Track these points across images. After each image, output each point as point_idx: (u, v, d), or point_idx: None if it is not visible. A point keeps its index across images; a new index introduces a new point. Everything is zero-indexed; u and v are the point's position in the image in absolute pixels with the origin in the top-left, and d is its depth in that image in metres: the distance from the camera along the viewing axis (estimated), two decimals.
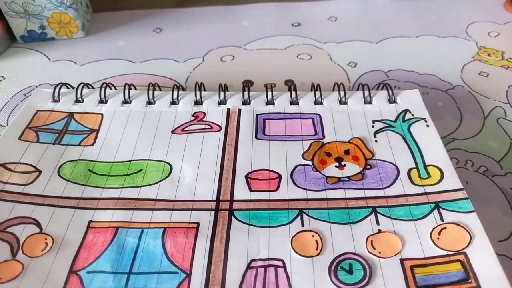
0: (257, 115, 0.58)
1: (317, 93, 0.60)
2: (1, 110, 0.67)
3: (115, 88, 0.62)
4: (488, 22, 0.88)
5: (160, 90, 0.62)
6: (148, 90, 0.61)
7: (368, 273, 0.41)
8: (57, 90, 0.61)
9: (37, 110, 0.59)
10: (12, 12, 0.78)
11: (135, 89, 0.62)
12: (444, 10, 0.93)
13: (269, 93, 0.60)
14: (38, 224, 0.45)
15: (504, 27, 0.87)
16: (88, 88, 0.62)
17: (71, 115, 0.59)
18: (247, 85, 0.61)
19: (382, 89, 0.61)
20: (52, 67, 0.78)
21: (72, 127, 0.57)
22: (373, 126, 0.56)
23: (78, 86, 0.61)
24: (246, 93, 0.60)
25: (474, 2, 0.96)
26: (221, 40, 0.84)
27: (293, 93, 0.60)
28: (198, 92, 0.60)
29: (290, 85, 0.61)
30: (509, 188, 0.54)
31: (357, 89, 0.62)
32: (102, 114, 0.59)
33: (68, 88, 0.62)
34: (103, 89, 0.61)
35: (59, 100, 0.60)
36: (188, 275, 0.41)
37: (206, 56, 0.80)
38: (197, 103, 0.60)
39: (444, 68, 0.75)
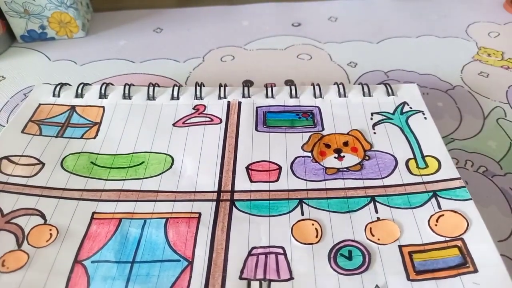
0: (257, 107, 0.59)
1: (317, 88, 0.60)
2: (1, 110, 0.67)
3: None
4: (488, 22, 0.89)
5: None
6: (148, 88, 0.61)
7: (367, 259, 0.41)
8: (57, 89, 0.61)
9: (40, 104, 0.60)
10: (12, 11, 0.79)
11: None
12: (444, 10, 0.93)
13: (269, 90, 0.61)
14: (43, 215, 0.46)
15: (504, 27, 0.87)
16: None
17: (73, 108, 0.59)
18: (247, 85, 0.61)
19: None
20: (52, 67, 0.78)
21: (74, 120, 0.57)
22: (371, 119, 0.57)
23: (78, 86, 0.62)
24: (246, 89, 0.61)
25: (474, 2, 0.96)
26: (221, 40, 0.85)
27: (293, 87, 0.61)
28: (198, 89, 0.61)
29: (290, 85, 0.61)
30: (509, 188, 0.54)
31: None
32: (103, 107, 0.59)
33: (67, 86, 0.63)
34: (103, 87, 0.61)
35: (60, 96, 0.61)
36: (190, 263, 0.42)
37: (206, 56, 0.80)
38: (197, 98, 0.61)
39: (444, 68, 0.75)
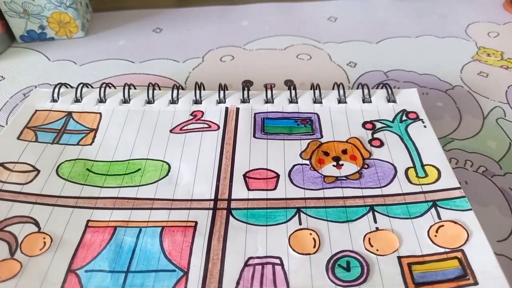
0: (255, 114, 0.58)
1: (317, 92, 0.60)
2: (0, 110, 0.67)
3: (115, 88, 0.62)
4: (487, 22, 0.89)
5: (160, 89, 0.62)
6: (148, 89, 0.61)
7: (365, 270, 0.41)
8: (56, 90, 0.61)
9: (36, 110, 0.59)
10: (12, 12, 0.79)
11: (135, 88, 0.62)
12: (444, 10, 0.93)
13: (269, 92, 0.60)
14: (37, 223, 0.45)
15: (503, 27, 0.87)
16: (88, 87, 0.62)
17: (69, 114, 0.59)
18: (247, 85, 0.61)
19: (381, 89, 0.61)
20: (52, 67, 0.78)
21: (70, 127, 0.57)
22: (371, 126, 0.56)
23: (77, 86, 0.61)
24: (245, 92, 0.60)
25: (474, 2, 0.96)
26: (220, 40, 0.85)
27: (293, 92, 0.60)
28: (197, 92, 0.61)
29: (290, 85, 0.61)
30: (508, 188, 0.54)
31: (357, 89, 0.62)
32: (100, 114, 0.59)
33: (67, 87, 0.62)
34: (102, 89, 0.61)
35: (58, 99, 0.61)
36: (186, 273, 0.41)
37: (205, 56, 0.80)
38: (196, 102, 0.60)
39: (444, 68, 0.75)
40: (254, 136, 0.55)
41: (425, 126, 0.56)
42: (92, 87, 0.63)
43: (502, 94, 0.68)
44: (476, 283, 0.39)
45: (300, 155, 0.53)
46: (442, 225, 0.44)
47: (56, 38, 0.85)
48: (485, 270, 0.40)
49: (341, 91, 0.60)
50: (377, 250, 0.42)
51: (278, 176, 0.50)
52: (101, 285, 0.40)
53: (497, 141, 0.60)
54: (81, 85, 0.61)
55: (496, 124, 0.63)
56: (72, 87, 0.63)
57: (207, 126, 0.56)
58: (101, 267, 0.42)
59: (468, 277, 0.40)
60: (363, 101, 0.60)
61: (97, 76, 0.75)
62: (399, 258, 0.42)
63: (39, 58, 0.80)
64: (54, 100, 0.61)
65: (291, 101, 0.60)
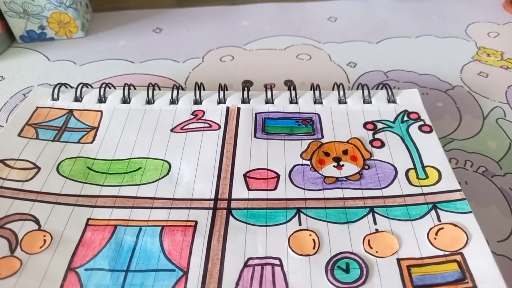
0: (256, 113, 0.58)
1: (317, 93, 0.60)
2: (0, 110, 0.67)
3: (115, 88, 0.62)
4: (487, 22, 0.89)
5: (160, 90, 0.62)
6: (148, 89, 0.61)
7: (364, 273, 0.41)
8: (56, 90, 0.61)
9: (37, 107, 0.59)
10: (12, 12, 0.78)
11: (135, 89, 0.62)
12: (444, 11, 0.93)
13: (269, 93, 0.60)
14: (37, 221, 0.45)
15: (503, 27, 0.87)
16: (87, 88, 0.62)
17: (70, 112, 0.59)
18: (247, 85, 0.61)
19: (381, 89, 0.61)
20: (52, 67, 0.78)
21: (71, 124, 0.57)
22: (372, 127, 0.56)
23: (77, 87, 0.61)
24: (245, 92, 0.60)
25: (474, 3, 0.96)
26: (220, 40, 0.85)
27: (293, 92, 0.60)
28: (197, 92, 0.61)
29: (290, 85, 0.61)
30: (508, 188, 0.54)
31: (357, 89, 0.62)
32: (101, 112, 0.59)
33: (67, 88, 0.62)
34: (102, 89, 0.61)
35: (58, 99, 0.60)
36: (185, 273, 0.41)
37: (205, 56, 0.80)
38: (196, 102, 0.60)
39: (444, 68, 0.75)
40: (255, 136, 0.55)
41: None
42: (92, 87, 0.63)
43: (502, 94, 0.69)
44: (474, 287, 0.39)
45: (301, 155, 0.52)
46: (442, 228, 0.44)
47: (56, 38, 0.85)
48: (484, 274, 0.40)
49: (341, 92, 0.60)
50: (377, 252, 0.42)
51: (278, 176, 0.50)
52: (101, 284, 0.40)
53: (497, 141, 0.60)
54: (81, 85, 0.61)
55: (496, 124, 0.63)
56: (72, 87, 0.63)
57: (208, 125, 0.56)
58: (101, 266, 0.42)
59: (467, 280, 0.40)
60: (364, 102, 0.59)
61: (97, 76, 0.75)
62: (399, 260, 0.42)
63: (39, 58, 0.80)
64: (54, 100, 0.60)
65: (291, 102, 0.60)
